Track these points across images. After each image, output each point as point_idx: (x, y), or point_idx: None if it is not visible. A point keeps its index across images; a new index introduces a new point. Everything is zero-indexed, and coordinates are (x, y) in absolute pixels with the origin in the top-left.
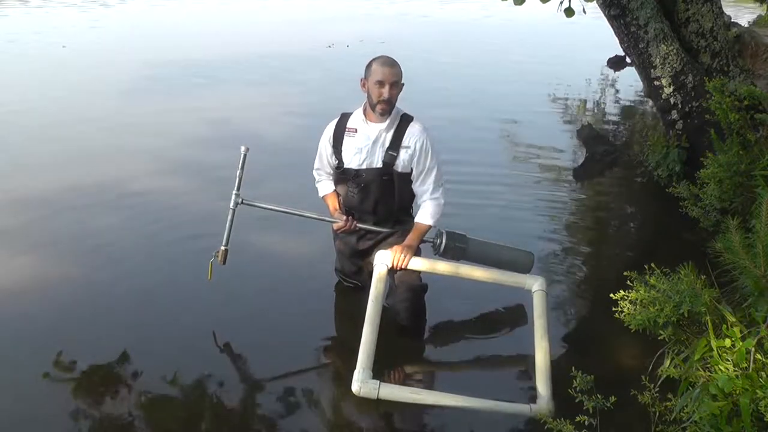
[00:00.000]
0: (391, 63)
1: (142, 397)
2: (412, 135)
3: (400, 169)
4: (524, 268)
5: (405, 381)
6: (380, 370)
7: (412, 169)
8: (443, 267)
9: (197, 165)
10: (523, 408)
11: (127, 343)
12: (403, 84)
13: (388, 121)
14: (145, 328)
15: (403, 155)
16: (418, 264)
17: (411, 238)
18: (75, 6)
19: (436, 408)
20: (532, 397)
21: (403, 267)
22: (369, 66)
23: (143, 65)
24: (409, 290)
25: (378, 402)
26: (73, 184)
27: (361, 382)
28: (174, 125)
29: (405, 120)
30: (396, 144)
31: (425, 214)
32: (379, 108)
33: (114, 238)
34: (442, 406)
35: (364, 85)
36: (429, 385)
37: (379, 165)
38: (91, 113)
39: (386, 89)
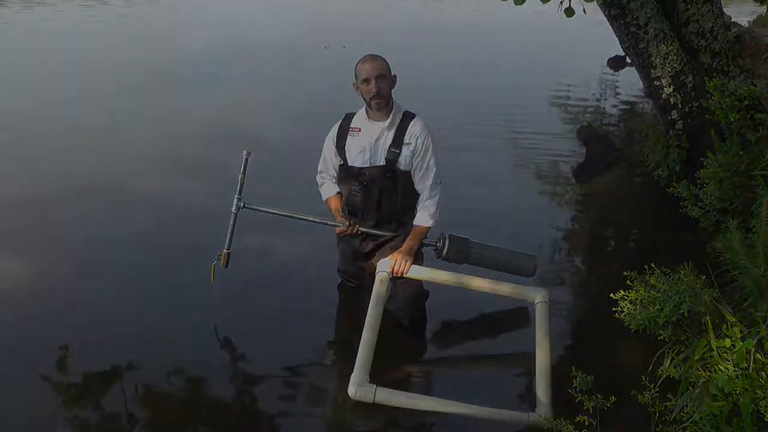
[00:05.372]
0: (371, 58)
1: (143, 398)
2: (414, 132)
3: (402, 167)
4: (527, 272)
5: (403, 385)
6: (378, 374)
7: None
8: (445, 276)
9: (198, 165)
10: (520, 417)
11: (127, 343)
12: (394, 75)
13: (390, 119)
14: (146, 328)
15: (405, 152)
16: (419, 273)
17: (410, 242)
18: (73, 7)
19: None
20: (531, 405)
21: (402, 273)
22: (355, 69)
23: (142, 65)
24: (410, 298)
25: (376, 405)
26: (74, 184)
27: (358, 386)
28: (174, 125)
29: (407, 117)
30: (398, 141)
31: (423, 215)
32: (374, 104)
33: (114, 238)
34: (438, 413)
35: (357, 89)
36: (427, 389)
37: (382, 163)
38: (92, 113)
39: (373, 84)
